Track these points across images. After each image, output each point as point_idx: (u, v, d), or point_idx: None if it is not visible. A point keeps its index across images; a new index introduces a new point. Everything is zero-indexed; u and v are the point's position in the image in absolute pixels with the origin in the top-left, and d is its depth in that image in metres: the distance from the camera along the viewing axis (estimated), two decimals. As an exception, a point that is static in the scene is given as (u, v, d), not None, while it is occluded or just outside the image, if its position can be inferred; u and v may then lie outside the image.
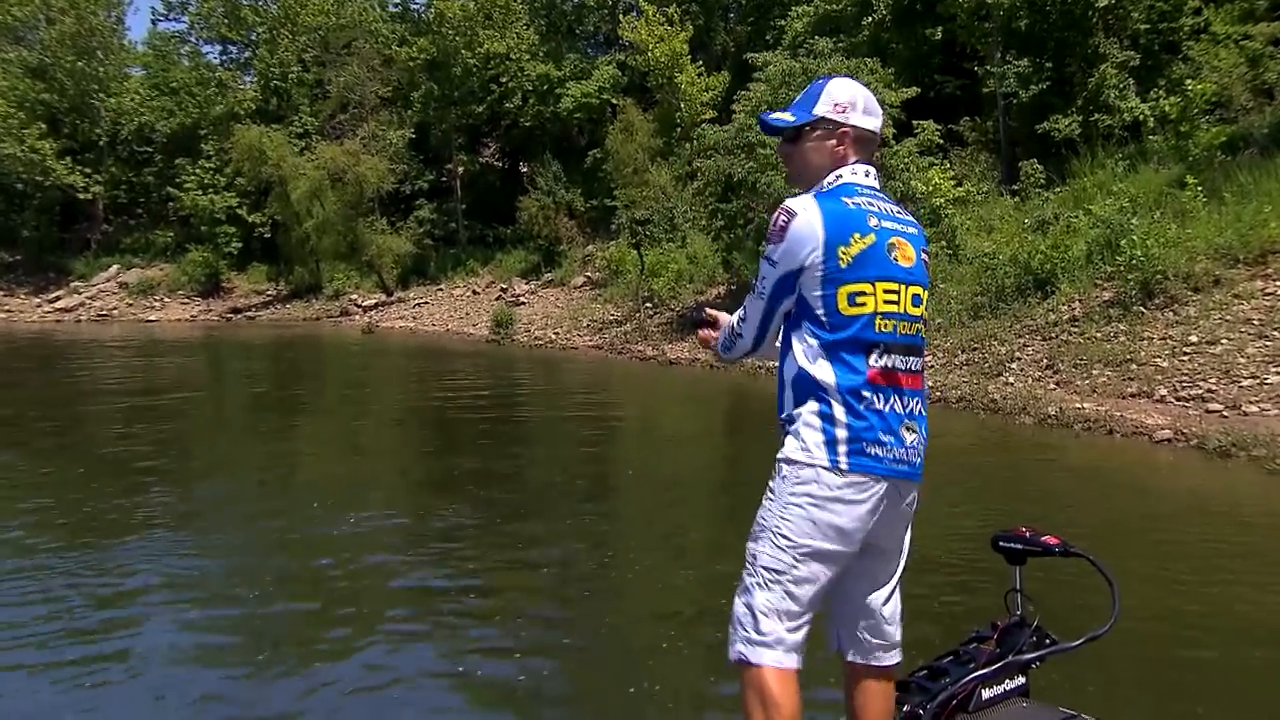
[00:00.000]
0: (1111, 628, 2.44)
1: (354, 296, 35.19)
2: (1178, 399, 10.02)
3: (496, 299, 29.52)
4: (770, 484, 2.38)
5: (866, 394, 2.32)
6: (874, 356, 2.33)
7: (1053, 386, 11.30)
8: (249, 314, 36.86)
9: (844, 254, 2.31)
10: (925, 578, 5.75)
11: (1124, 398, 10.39)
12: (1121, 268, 12.15)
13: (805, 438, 2.32)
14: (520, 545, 6.80)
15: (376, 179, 33.77)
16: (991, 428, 10.73)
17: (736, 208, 18.72)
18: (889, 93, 18.28)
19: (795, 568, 2.31)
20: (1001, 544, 2.53)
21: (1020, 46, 18.90)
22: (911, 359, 2.41)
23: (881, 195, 2.47)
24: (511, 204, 32.62)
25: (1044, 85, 18.12)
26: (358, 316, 33.10)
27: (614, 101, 31.81)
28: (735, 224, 19.04)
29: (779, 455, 2.38)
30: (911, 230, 2.46)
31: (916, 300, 2.43)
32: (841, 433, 2.30)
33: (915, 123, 18.26)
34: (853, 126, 2.47)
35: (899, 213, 2.47)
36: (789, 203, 2.37)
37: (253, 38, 43.55)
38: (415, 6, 42.12)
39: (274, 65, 40.55)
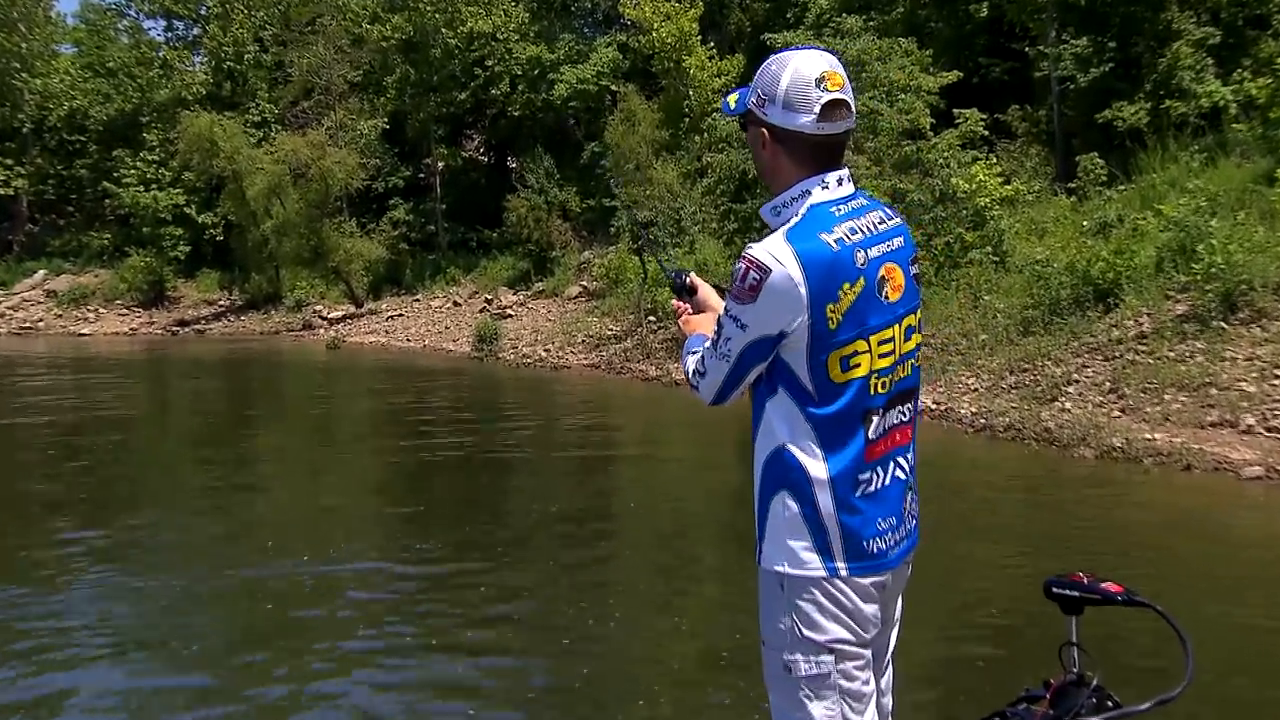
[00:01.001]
0: (1185, 689, 2.39)
1: (318, 308, 35.16)
2: (1268, 430, 9.90)
3: (480, 311, 29.49)
4: (762, 593, 2.34)
5: (863, 477, 2.26)
6: (871, 427, 2.26)
7: (1117, 414, 11.21)
8: (198, 327, 36.85)
9: (833, 312, 2.19)
10: (968, 627, 5.74)
11: (1203, 427, 10.28)
12: (1198, 277, 12.03)
13: (791, 544, 2.26)
14: (501, 595, 6.76)
15: (345, 175, 33.74)
16: (1045, 461, 10.68)
17: (752, 209, 18.70)
18: (926, 77, 18.30)
19: (837, 663, 2.28)
20: (1055, 590, 2.49)
21: (1079, 23, 18.89)
22: (908, 405, 2.36)
23: (857, 202, 2.33)
24: (498, 204, 32.59)
25: (1106, 68, 18.06)
26: (322, 330, 33.07)
27: (614, 88, 31.81)
28: (750, 227, 19.02)
29: (762, 563, 2.32)
30: (898, 241, 2.34)
31: (910, 331, 2.34)
32: (836, 535, 2.24)
33: (957, 111, 18.25)
34: (769, 126, 2.29)
35: (881, 221, 2.33)
36: (757, 254, 2.20)
37: (202, 12, 43.61)
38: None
39: (227, 44, 40.48)
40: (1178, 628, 2.42)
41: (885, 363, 2.26)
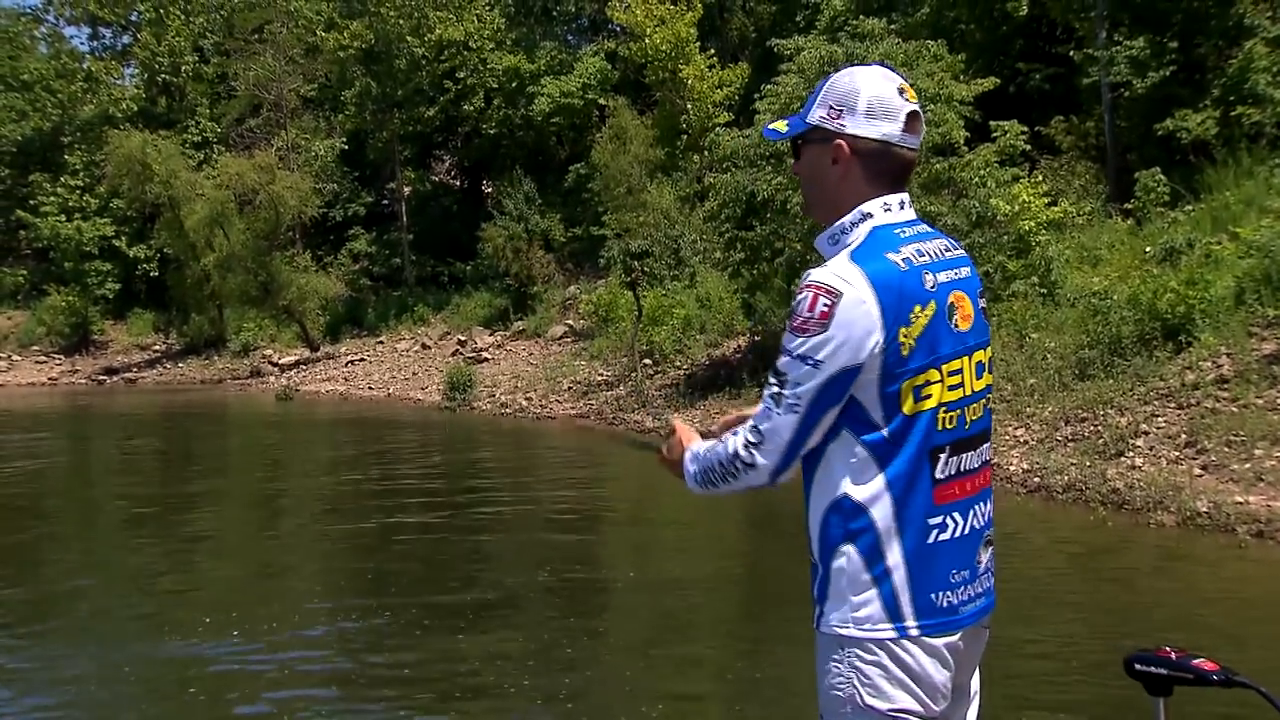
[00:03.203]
0: None
1: (268, 352, 35.23)
2: (1382, 492, 9.63)
3: (453, 354, 29.57)
4: (819, 660, 2.35)
5: (933, 522, 2.30)
6: (939, 467, 2.31)
7: (1199, 472, 10.89)
8: (128, 375, 36.75)
9: (906, 337, 2.25)
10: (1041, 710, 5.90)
11: None
12: None
13: (854, 602, 2.29)
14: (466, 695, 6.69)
15: (297, 201, 33.91)
16: (1115, 528, 10.38)
17: (761, 236, 18.43)
18: (959, 85, 18.01)
19: None
20: (1139, 668, 2.45)
21: (1133, 22, 18.81)
22: (981, 450, 2.40)
23: (921, 227, 2.42)
24: (471, 234, 32.73)
25: (1167, 71, 17.94)
26: (272, 378, 33.09)
27: (602, 102, 32.02)
28: (759, 256, 18.75)
29: (821, 627, 2.34)
30: (965, 271, 2.43)
31: (980, 370, 2.40)
32: (904, 589, 2.28)
33: (994, 124, 18.10)
34: (849, 137, 2.36)
35: (948, 249, 2.42)
36: (822, 277, 2.26)
37: (133, 18, 43.85)
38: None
39: (161, 54, 40.55)
40: None
41: (954, 395, 2.32)
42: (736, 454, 2.35)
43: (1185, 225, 16.10)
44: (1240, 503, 9.88)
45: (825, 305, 2.22)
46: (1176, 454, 11.36)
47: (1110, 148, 19.71)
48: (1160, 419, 12.11)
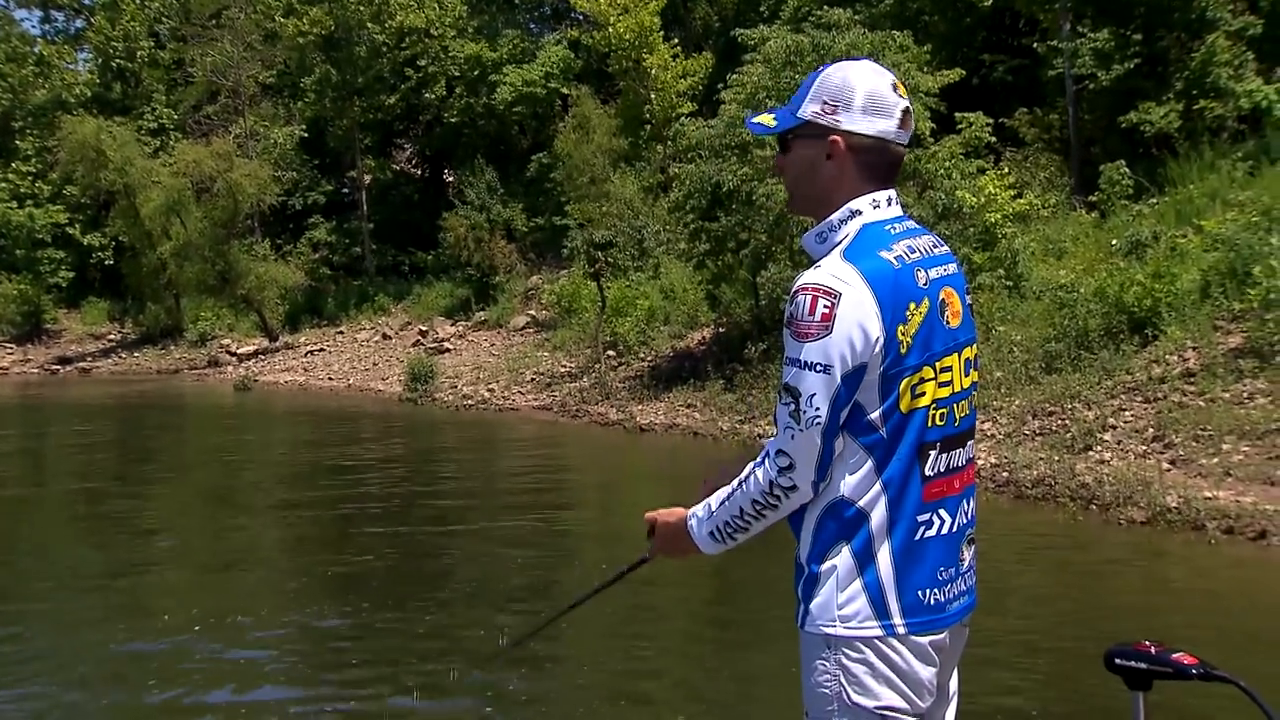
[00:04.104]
0: None
1: (226, 342, 35.05)
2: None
3: (414, 344, 29.49)
4: (804, 660, 2.36)
5: (921, 518, 2.31)
6: (929, 464, 2.32)
7: (1167, 466, 10.83)
8: (82, 365, 36.47)
9: (904, 335, 2.26)
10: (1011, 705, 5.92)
11: (1274, 484, 9.86)
12: (1255, 304, 11.80)
13: (841, 601, 2.30)
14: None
15: (256, 189, 33.67)
16: (1086, 525, 10.28)
17: (726, 227, 18.38)
18: (924, 76, 17.95)
19: None
20: (1119, 662, 2.47)
21: (1097, 14, 18.79)
22: (968, 446, 2.42)
23: (909, 223, 2.43)
24: (433, 223, 32.64)
25: (1130, 64, 17.95)
26: (230, 369, 32.83)
27: (565, 91, 31.96)
28: (724, 248, 18.72)
29: (806, 626, 2.33)
30: (952, 268, 2.45)
31: (969, 366, 2.42)
32: (891, 587, 2.29)
33: (959, 115, 18.05)
34: (844, 133, 2.36)
35: (935, 245, 2.43)
36: (818, 279, 2.26)
37: (86, 2, 43.29)
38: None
39: (116, 39, 40.16)
40: (1263, 704, 2.37)
41: (945, 392, 2.34)
42: (771, 486, 2.31)
43: (1150, 218, 16.13)
44: (1210, 498, 9.81)
45: (826, 307, 2.22)
46: (1144, 448, 11.34)
47: (1074, 140, 19.74)
48: (1127, 413, 12.10)
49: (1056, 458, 11.74)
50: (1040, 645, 7.23)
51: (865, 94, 2.33)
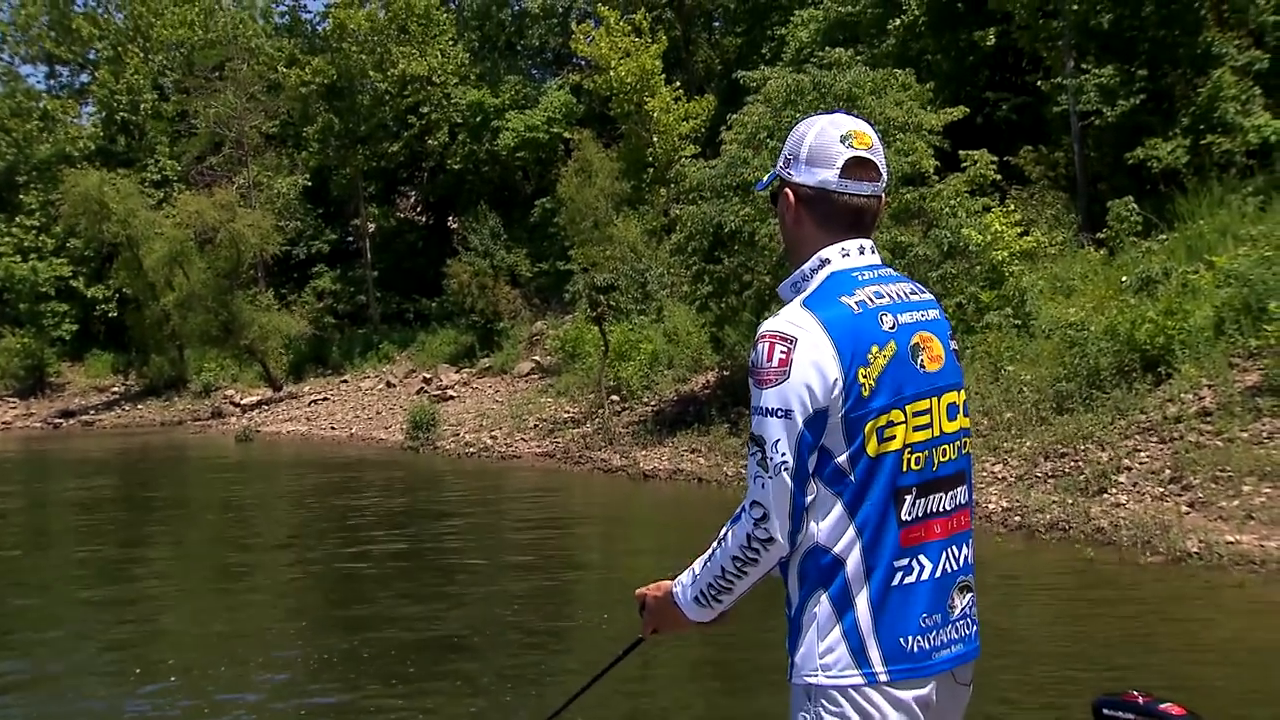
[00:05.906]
0: None
1: (230, 393, 35.03)
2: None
3: (418, 392, 29.51)
4: (792, 714, 2.38)
5: (899, 564, 2.32)
6: (905, 509, 2.34)
7: (1186, 509, 10.58)
8: (85, 418, 36.47)
9: (865, 378, 2.30)
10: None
11: None
12: (1272, 340, 11.68)
13: (822, 650, 2.32)
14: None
15: (259, 239, 33.75)
16: (1101, 569, 10.03)
17: (729, 268, 18.20)
18: (927, 114, 17.82)
19: None
20: (1106, 712, 2.49)
21: (1100, 51, 18.69)
22: (956, 492, 2.42)
23: (884, 271, 2.48)
24: (437, 270, 32.67)
25: (1135, 100, 17.85)
26: (234, 419, 32.82)
27: (567, 136, 31.91)
28: (727, 289, 18.52)
29: (793, 679, 2.37)
30: (933, 314, 2.48)
31: (953, 411, 2.43)
32: (870, 634, 2.30)
33: (963, 153, 18.00)
34: (794, 185, 2.46)
35: (913, 293, 2.47)
36: (776, 326, 2.35)
37: (90, 56, 43.70)
38: (307, 16, 42.58)
39: (120, 92, 40.46)
40: None
41: (920, 437, 2.35)
42: (748, 540, 2.34)
43: (1160, 255, 15.95)
44: (1232, 542, 9.55)
45: (782, 352, 2.29)
46: (1161, 490, 11.08)
47: (1080, 177, 19.56)
48: (1143, 454, 11.84)
49: (1070, 500, 11.51)
50: (1054, 691, 7.01)
51: (810, 145, 2.41)
